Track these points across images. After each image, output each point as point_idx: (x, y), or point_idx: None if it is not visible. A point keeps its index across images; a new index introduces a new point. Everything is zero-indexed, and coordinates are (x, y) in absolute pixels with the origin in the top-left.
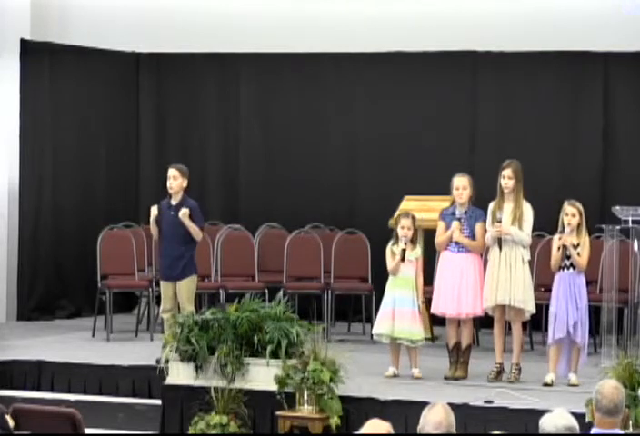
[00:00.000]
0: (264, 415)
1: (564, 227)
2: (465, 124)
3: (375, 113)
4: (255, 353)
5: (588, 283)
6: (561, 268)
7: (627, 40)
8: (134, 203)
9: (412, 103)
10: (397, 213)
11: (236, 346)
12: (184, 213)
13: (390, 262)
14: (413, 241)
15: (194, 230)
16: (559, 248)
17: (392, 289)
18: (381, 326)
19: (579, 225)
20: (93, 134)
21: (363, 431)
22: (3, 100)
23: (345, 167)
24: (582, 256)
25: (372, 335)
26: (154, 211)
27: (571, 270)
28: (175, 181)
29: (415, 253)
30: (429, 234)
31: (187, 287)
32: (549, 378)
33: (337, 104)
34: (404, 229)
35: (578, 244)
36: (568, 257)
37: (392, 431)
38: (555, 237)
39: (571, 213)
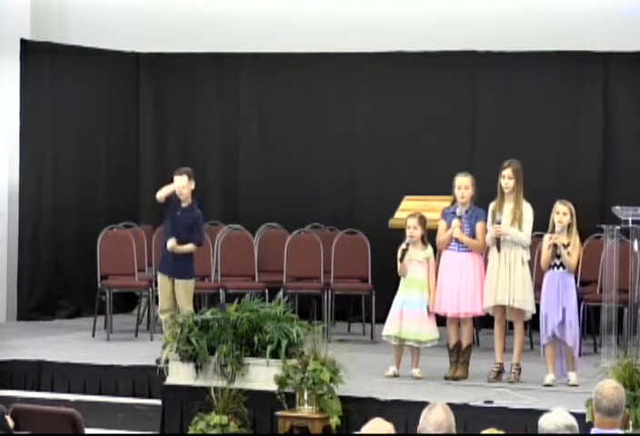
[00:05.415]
0: (264, 415)
1: (554, 226)
2: (465, 124)
3: (375, 112)
4: (255, 353)
5: (588, 283)
6: (550, 267)
7: (627, 40)
8: (134, 203)
9: (412, 102)
10: (397, 212)
11: (236, 346)
12: (171, 246)
13: (399, 264)
14: (423, 241)
15: (189, 250)
16: (549, 247)
17: (401, 290)
18: (389, 327)
19: (570, 225)
20: (93, 134)
21: (364, 430)
22: (3, 100)
23: (344, 167)
24: (571, 256)
25: (372, 335)
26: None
27: (560, 269)
28: (185, 189)
29: (425, 254)
30: (429, 234)
31: (185, 289)
32: (549, 378)
33: (337, 104)
34: (409, 229)
35: (569, 244)
36: (558, 256)
37: (393, 432)
38: (546, 236)
39: (562, 211)
